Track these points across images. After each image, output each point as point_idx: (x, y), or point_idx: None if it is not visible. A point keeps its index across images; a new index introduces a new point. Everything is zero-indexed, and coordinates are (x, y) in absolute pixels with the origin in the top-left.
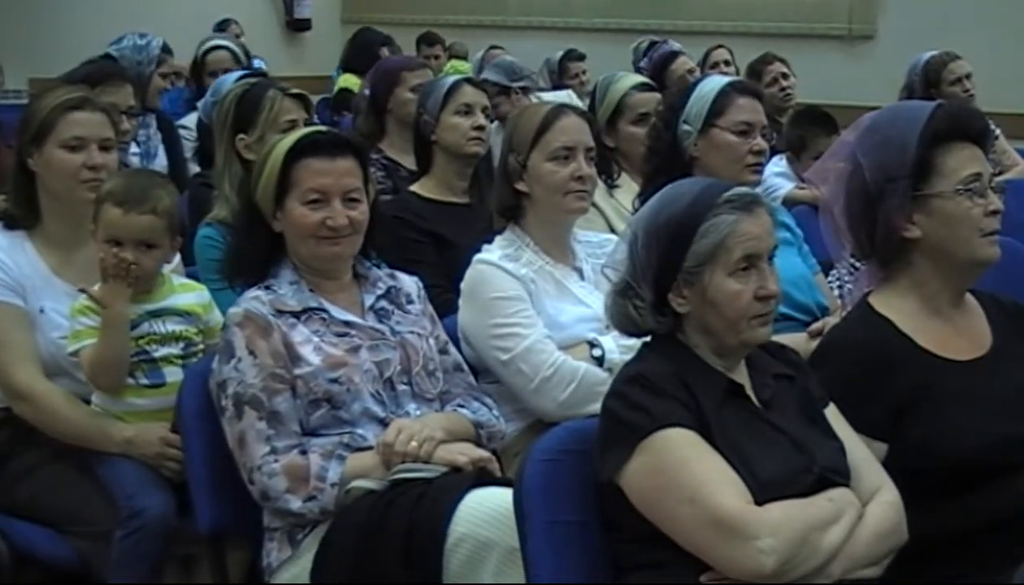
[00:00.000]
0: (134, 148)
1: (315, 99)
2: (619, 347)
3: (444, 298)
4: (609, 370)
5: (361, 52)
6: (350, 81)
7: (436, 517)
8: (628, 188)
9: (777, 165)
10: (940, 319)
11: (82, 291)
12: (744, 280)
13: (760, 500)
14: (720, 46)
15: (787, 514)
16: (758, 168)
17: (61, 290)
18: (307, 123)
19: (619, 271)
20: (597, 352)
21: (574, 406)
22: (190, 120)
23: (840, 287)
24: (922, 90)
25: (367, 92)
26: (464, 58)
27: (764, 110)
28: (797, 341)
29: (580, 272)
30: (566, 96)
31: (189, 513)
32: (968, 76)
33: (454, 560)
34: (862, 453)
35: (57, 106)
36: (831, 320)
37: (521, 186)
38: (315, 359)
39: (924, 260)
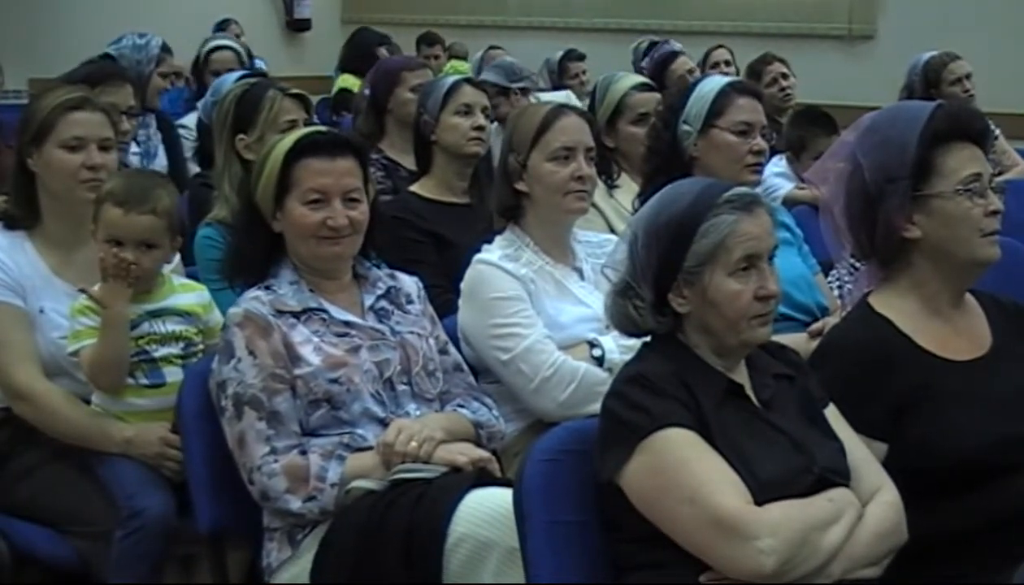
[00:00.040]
0: (134, 148)
1: (315, 99)
2: (619, 347)
3: (444, 298)
4: (609, 370)
5: (359, 52)
6: (349, 81)
7: (436, 517)
8: (628, 188)
9: (777, 165)
10: (940, 319)
11: (82, 291)
12: (744, 280)
13: (760, 500)
14: (720, 46)
15: (787, 514)
16: (758, 168)
17: (61, 290)
18: (307, 123)
19: (619, 271)
20: (597, 352)
21: (574, 406)
22: (190, 120)
23: (840, 287)
24: (922, 90)
25: (367, 92)
26: (464, 58)
27: (764, 110)
28: (797, 341)
29: (580, 272)
30: (566, 96)
31: (189, 513)
32: (968, 76)
33: (454, 560)
34: (862, 453)
35: (57, 106)
36: (831, 320)
37: (521, 186)
38: (315, 359)
39: (924, 260)
